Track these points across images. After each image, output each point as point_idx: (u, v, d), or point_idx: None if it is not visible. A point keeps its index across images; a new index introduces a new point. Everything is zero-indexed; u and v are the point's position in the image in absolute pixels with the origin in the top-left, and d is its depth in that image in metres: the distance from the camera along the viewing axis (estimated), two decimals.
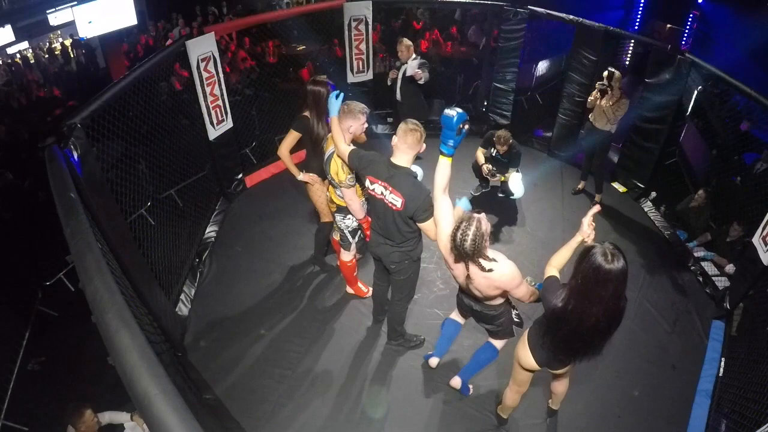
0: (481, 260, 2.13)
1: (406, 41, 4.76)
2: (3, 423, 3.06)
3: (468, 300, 2.60)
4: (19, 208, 4.79)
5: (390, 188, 2.51)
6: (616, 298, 1.89)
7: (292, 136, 3.37)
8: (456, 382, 3.02)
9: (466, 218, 2.09)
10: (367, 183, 2.60)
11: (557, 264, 2.19)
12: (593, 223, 2.18)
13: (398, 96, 5.07)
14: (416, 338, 3.37)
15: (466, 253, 2.09)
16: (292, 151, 3.39)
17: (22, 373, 3.38)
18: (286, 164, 3.44)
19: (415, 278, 2.98)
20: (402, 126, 2.45)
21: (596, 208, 2.23)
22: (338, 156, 2.84)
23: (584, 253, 1.90)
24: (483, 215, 2.12)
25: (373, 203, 2.68)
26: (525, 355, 2.36)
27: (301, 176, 3.44)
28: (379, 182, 2.55)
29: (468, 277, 2.24)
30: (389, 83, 5.06)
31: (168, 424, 0.96)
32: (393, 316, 3.21)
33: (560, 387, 2.73)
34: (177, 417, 0.97)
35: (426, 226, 2.55)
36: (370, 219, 3.08)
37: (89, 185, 2.32)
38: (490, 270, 2.15)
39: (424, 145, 2.53)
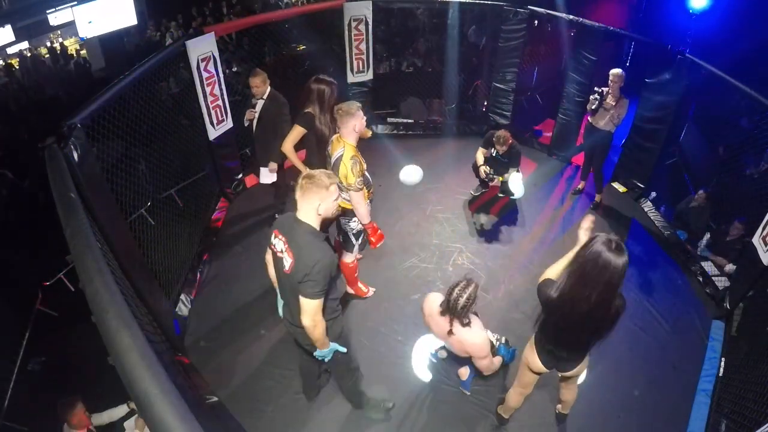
0: (462, 320, 2.41)
1: (262, 74, 3.82)
2: (3, 423, 3.05)
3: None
4: (19, 208, 4.79)
5: (286, 245, 2.11)
6: (610, 289, 1.89)
7: (297, 132, 3.36)
8: (464, 371, 3.03)
9: (466, 281, 2.40)
10: (272, 237, 2.19)
11: (551, 274, 2.18)
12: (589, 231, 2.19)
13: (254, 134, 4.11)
14: (383, 404, 2.93)
15: (455, 309, 2.37)
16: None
17: (22, 373, 3.38)
18: (291, 160, 3.43)
19: (343, 357, 2.48)
20: (303, 178, 2.08)
21: (590, 219, 2.25)
22: (348, 159, 2.83)
23: (587, 242, 1.94)
24: (477, 283, 2.43)
25: (275, 264, 2.26)
26: (533, 358, 2.36)
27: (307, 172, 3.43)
28: (281, 236, 2.14)
29: (450, 332, 2.45)
30: (246, 124, 4.10)
31: (168, 424, 0.96)
32: (346, 395, 2.88)
33: (569, 395, 2.71)
34: (177, 417, 0.97)
35: (306, 305, 2.05)
36: (375, 224, 3.11)
37: (89, 185, 2.32)
38: (467, 325, 2.43)
39: (335, 203, 2.14)
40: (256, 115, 3.92)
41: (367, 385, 3.11)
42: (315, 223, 2.11)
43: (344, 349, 2.40)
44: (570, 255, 2.17)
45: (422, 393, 3.10)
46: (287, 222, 2.15)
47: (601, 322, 2.00)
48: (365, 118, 2.94)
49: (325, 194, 2.06)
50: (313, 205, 2.06)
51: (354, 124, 2.83)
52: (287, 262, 2.10)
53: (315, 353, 2.33)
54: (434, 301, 2.55)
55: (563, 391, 2.72)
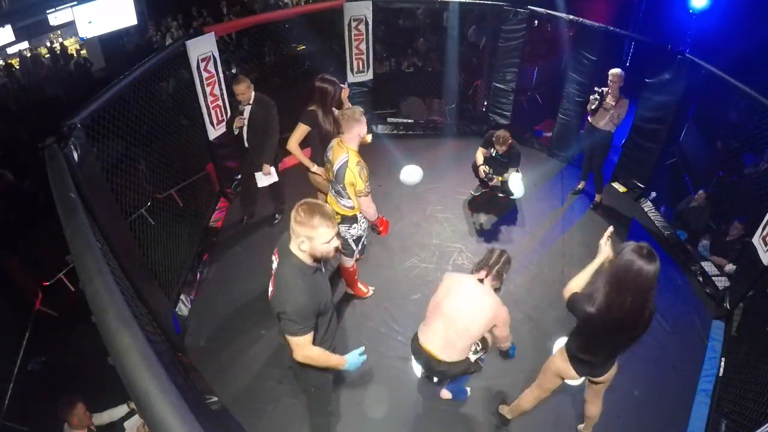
0: (496, 281, 2.41)
1: (245, 80, 3.77)
2: (3, 423, 3.05)
3: (424, 354, 2.49)
4: (19, 208, 4.79)
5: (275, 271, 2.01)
6: (644, 295, 1.93)
7: (301, 130, 3.38)
8: (445, 394, 3.01)
9: (500, 250, 2.51)
10: (273, 255, 2.07)
11: (576, 287, 2.18)
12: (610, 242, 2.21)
13: (245, 143, 4.02)
14: None
15: (495, 266, 2.42)
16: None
17: (22, 373, 3.38)
18: (297, 157, 3.45)
19: (324, 395, 2.43)
20: (297, 207, 1.88)
21: (610, 229, 2.26)
22: (354, 165, 2.79)
23: (618, 252, 1.98)
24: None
25: None
26: (565, 368, 2.35)
27: (315, 168, 3.43)
28: (276, 257, 2.03)
29: (481, 281, 2.40)
30: (236, 132, 3.99)
31: (168, 424, 0.96)
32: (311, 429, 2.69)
33: (595, 410, 2.65)
34: (177, 417, 0.97)
35: (291, 342, 1.93)
36: (381, 217, 3.13)
37: (89, 185, 2.32)
38: (497, 290, 2.43)
39: (326, 246, 1.89)
40: (246, 122, 3.87)
41: (366, 384, 3.12)
42: (304, 256, 1.91)
43: (363, 357, 2.18)
44: (592, 266, 2.20)
45: (422, 393, 3.10)
46: (285, 246, 1.97)
47: (636, 326, 2.04)
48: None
49: (311, 233, 1.82)
50: (297, 240, 1.87)
51: (358, 130, 2.83)
52: (270, 288, 2.00)
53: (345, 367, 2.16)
54: (455, 273, 2.53)
55: (589, 405, 2.64)
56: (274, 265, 2.01)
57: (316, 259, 1.97)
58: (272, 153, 3.96)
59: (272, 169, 4.00)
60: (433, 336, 2.45)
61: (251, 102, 3.81)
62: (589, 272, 2.21)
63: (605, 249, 2.19)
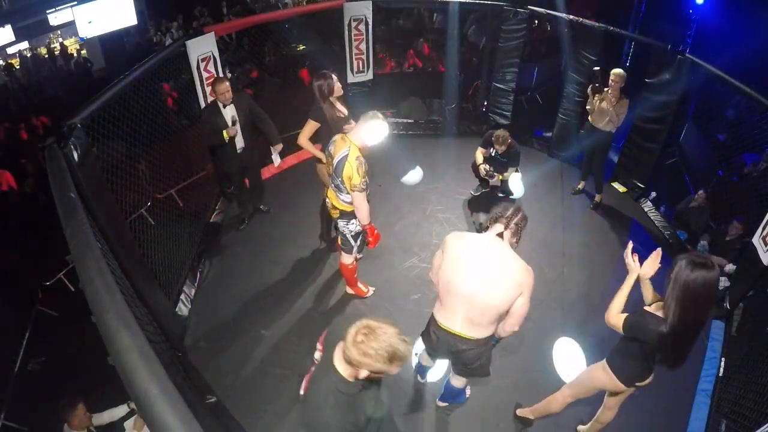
0: (513, 237, 2.16)
1: (226, 80, 3.80)
2: (3, 423, 3.06)
3: (446, 336, 2.27)
4: (19, 208, 4.79)
5: (309, 374, 1.82)
6: (714, 299, 2.01)
7: (311, 125, 3.44)
8: (441, 404, 2.99)
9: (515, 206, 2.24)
10: (318, 343, 1.87)
11: (619, 309, 2.20)
12: (635, 256, 2.21)
13: (240, 143, 4.00)
14: None
15: (511, 220, 2.15)
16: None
17: (22, 373, 3.38)
18: (309, 151, 3.53)
19: None
20: (363, 332, 1.54)
21: (630, 245, 2.24)
22: (353, 159, 2.77)
23: (677, 271, 1.96)
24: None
25: None
26: (613, 385, 2.35)
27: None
28: (320, 350, 1.83)
29: (501, 235, 2.16)
30: (227, 141, 3.87)
31: (168, 424, 0.96)
32: None
33: (610, 416, 2.64)
34: (177, 417, 0.97)
35: None
36: (373, 225, 3.09)
37: (89, 185, 2.32)
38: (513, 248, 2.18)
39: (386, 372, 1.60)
40: (238, 124, 3.85)
41: None
42: (351, 375, 1.60)
43: None
44: (628, 285, 2.22)
45: (423, 393, 3.09)
46: (332, 349, 1.66)
47: (702, 329, 2.08)
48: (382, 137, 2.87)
49: (381, 368, 1.51)
50: (357, 369, 1.55)
51: (371, 138, 2.81)
52: (303, 386, 1.80)
53: None
54: (461, 234, 2.24)
55: (607, 412, 2.62)
56: (316, 356, 1.79)
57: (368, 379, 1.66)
58: (275, 130, 4.11)
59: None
60: (453, 317, 2.21)
61: (231, 101, 3.81)
62: (626, 292, 2.22)
63: (635, 266, 2.19)
